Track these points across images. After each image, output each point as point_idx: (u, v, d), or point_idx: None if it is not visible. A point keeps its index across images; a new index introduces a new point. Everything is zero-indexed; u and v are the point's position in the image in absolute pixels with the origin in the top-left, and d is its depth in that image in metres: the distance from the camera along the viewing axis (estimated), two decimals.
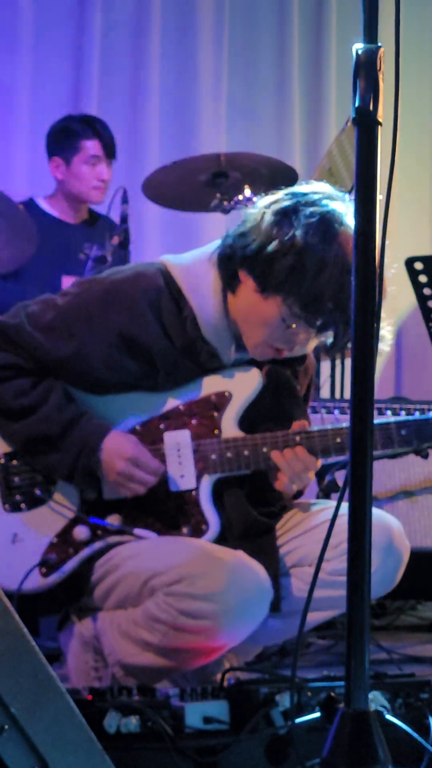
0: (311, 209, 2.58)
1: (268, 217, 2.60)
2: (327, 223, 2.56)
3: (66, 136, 4.82)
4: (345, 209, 2.59)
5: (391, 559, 2.67)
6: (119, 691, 2.19)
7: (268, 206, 2.63)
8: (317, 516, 2.78)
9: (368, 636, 1.74)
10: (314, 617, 2.72)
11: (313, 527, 2.76)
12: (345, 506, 1.82)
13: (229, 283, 2.67)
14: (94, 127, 4.81)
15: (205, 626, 2.55)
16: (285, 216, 2.58)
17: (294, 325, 2.61)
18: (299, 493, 2.88)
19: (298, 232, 2.55)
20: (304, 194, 2.63)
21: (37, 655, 1.49)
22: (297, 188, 2.68)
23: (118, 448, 2.66)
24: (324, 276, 2.54)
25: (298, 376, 2.84)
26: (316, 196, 2.62)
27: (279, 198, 2.64)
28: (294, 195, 2.64)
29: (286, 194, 2.65)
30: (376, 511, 1.85)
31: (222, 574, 2.54)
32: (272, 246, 2.56)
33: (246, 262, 2.62)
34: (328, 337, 2.64)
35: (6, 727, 1.41)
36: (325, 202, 2.60)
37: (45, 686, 1.48)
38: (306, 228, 2.55)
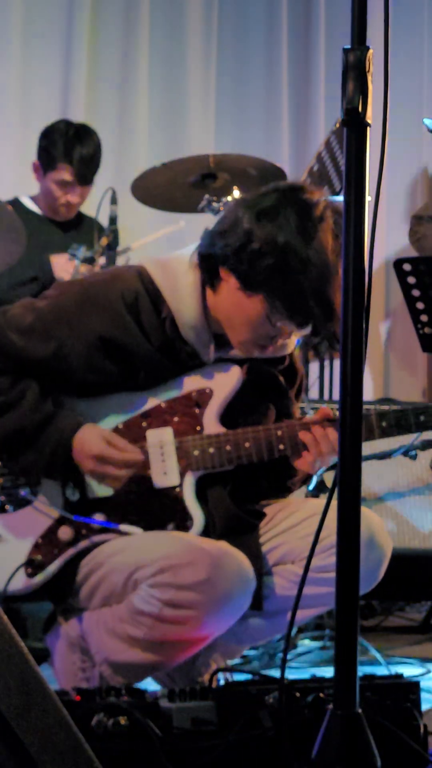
0: (291, 206, 2.59)
1: (249, 215, 2.61)
2: (307, 220, 2.57)
3: (46, 150, 4.80)
4: (323, 204, 2.60)
5: (373, 554, 2.68)
6: (107, 692, 2.19)
7: (247, 203, 2.64)
8: (299, 513, 2.79)
9: (357, 637, 1.74)
10: (300, 615, 2.73)
11: (296, 524, 2.77)
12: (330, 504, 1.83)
13: (211, 281, 2.68)
14: (72, 153, 4.74)
15: (189, 616, 2.56)
16: (265, 214, 2.59)
17: (278, 323, 2.62)
18: (309, 479, 2.90)
19: (279, 231, 2.56)
20: (284, 191, 2.64)
21: (26, 657, 1.49)
22: (276, 185, 2.69)
23: (92, 435, 2.65)
24: (306, 274, 2.55)
25: (281, 373, 2.84)
26: (295, 193, 2.63)
27: (258, 195, 2.66)
28: (273, 192, 2.65)
29: (266, 191, 2.66)
30: None
31: (205, 564, 2.55)
32: (253, 245, 2.58)
33: (227, 261, 2.63)
34: (309, 332, 2.65)
35: None
36: (304, 197, 2.61)
37: (34, 688, 1.47)
38: (287, 226, 2.56)
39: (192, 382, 2.75)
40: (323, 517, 1.94)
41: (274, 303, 2.59)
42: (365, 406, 3.93)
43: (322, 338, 2.68)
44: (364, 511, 2.69)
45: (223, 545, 2.63)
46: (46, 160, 4.78)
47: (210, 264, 2.67)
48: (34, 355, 2.67)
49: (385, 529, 2.76)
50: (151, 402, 2.75)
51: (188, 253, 2.73)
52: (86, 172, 4.76)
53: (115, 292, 2.69)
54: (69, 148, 4.75)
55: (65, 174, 4.74)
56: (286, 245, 2.55)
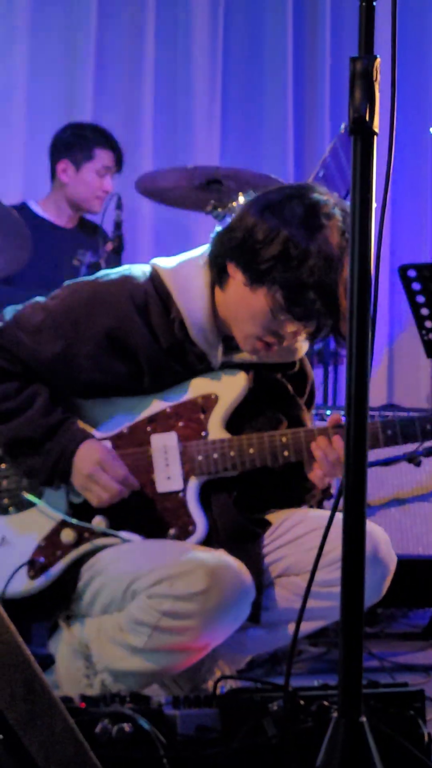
0: (296, 201, 2.60)
1: (255, 209, 2.62)
2: (312, 214, 2.58)
3: (80, 142, 4.83)
4: (332, 202, 2.61)
5: (376, 570, 2.67)
6: (112, 699, 2.19)
7: (254, 201, 2.66)
8: (305, 524, 2.78)
9: (362, 645, 1.74)
10: (303, 626, 2.71)
11: (301, 536, 2.76)
12: (335, 517, 1.82)
13: (219, 278, 2.69)
14: (108, 138, 4.82)
15: (187, 626, 2.56)
16: (270, 208, 2.61)
17: (282, 317, 2.62)
18: (327, 493, 2.89)
19: (283, 222, 2.57)
20: (290, 188, 2.67)
21: (32, 665, 1.49)
22: (286, 184, 2.70)
23: (91, 453, 2.67)
24: (307, 266, 2.55)
25: (290, 379, 2.84)
26: (301, 190, 2.65)
27: (266, 192, 2.67)
28: (280, 189, 2.67)
29: (272, 190, 2.68)
30: None
31: (203, 574, 2.55)
32: (257, 235, 2.58)
33: (233, 253, 2.64)
34: (313, 328, 2.65)
35: (0, 737, 1.41)
36: (310, 194, 2.62)
37: (40, 696, 1.47)
38: (290, 218, 2.58)
39: (198, 388, 2.76)
40: (327, 530, 1.94)
41: (275, 295, 2.59)
42: (369, 413, 3.93)
43: (327, 334, 2.67)
44: (370, 526, 2.70)
45: (222, 555, 2.62)
46: (80, 152, 4.81)
47: (218, 261, 2.68)
48: (43, 354, 2.68)
49: (390, 545, 2.74)
50: (157, 406, 2.76)
51: (199, 254, 2.74)
52: (122, 159, 4.82)
53: (125, 292, 2.70)
54: (104, 134, 4.79)
55: (108, 158, 4.78)
56: (289, 236, 2.56)
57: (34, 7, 5.54)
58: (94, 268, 4.47)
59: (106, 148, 4.81)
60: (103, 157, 4.82)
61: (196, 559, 2.59)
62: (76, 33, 5.62)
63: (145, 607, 2.57)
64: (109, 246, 4.49)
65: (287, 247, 2.56)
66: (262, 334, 2.66)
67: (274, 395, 2.81)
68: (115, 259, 4.50)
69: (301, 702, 2.21)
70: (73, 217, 4.99)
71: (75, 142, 4.84)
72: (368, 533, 2.63)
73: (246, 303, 2.65)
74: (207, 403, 2.74)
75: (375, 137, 1.77)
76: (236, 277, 2.65)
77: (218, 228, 2.73)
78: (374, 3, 1.76)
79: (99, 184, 4.84)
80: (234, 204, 4.24)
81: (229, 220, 2.73)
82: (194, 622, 2.55)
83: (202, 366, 2.75)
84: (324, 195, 2.63)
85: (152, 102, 5.77)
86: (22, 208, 4.88)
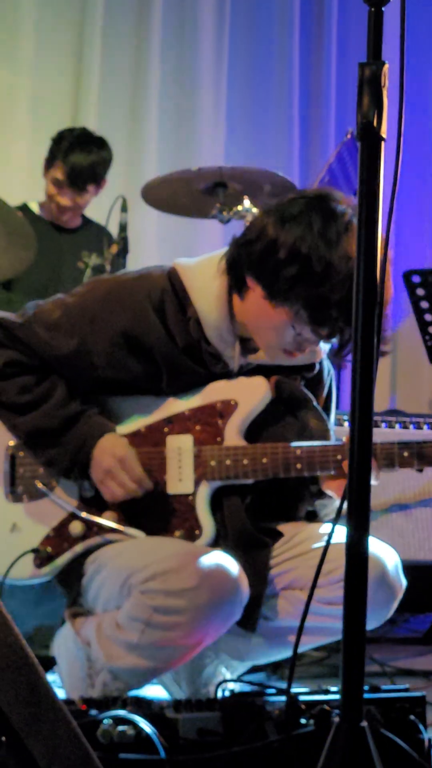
0: (315, 212, 2.58)
1: (273, 224, 2.60)
2: (331, 229, 2.55)
3: (52, 147, 4.85)
4: (350, 211, 2.58)
5: (382, 593, 2.65)
6: (114, 702, 2.19)
7: (272, 212, 2.63)
8: (316, 539, 2.76)
9: (364, 651, 1.74)
10: (305, 640, 2.70)
11: (309, 551, 2.74)
12: (340, 533, 1.82)
13: (238, 288, 2.68)
14: (72, 152, 4.77)
15: (177, 622, 2.56)
16: (290, 220, 2.58)
17: (304, 333, 2.62)
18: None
19: (302, 240, 2.55)
20: (310, 198, 2.63)
21: (35, 668, 1.49)
22: (302, 192, 2.68)
23: (112, 447, 2.68)
24: (328, 285, 2.53)
25: (309, 384, 2.84)
26: (321, 200, 2.61)
27: (284, 202, 2.64)
28: (299, 198, 2.64)
29: (292, 198, 2.65)
30: (372, 543, 1.83)
31: (194, 571, 2.55)
32: (277, 253, 2.56)
33: (252, 269, 2.63)
34: (335, 342, 2.64)
35: (3, 739, 1.41)
36: (331, 205, 2.59)
37: (44, 699, 1.47)
38: (310, 236, 2.55)
39: (218, 392, 2.76)
40: (327, 545, 1.94)
41: (298, 313, 2.58)
42: (382, 431, 3.93)
43: (346, 353, 2.66)
44: (381, 547, 2.69)
45: (219, 555, 2.62)
46: (48, 158, 4.83)
47: (237, 272, 2.67)
48: (58, 350, 2.70)
49: (399, 568, 2.71)
50: (176, 408, 2.76)
51: (218, 257, 2.73)
52: (78, 178, 4.78)
53: (143, 290, 2.71)
54: (69, 149, 4.78)
55: (58, 173, 4.78)
56: (310, 252, 2.53)
57: (40, 8, 5.55)
58: (99, 270, 4.47)
59: (61, 162, 4.79)
60: (56, 170, 4.81)
61: (190, 556, 2.59)
62: (81, 34, 5.63)
63: (139, 603, 2.58)
64: (114, 248, 4.49)
65: (309, 264, 2.53)
66: (284, 344, 2.66)
67: (293, 403, 2.80)
68: (120, 262, 4.50)
69: (303, 706, 2.22)
70: (74, 219, 4.98)
71: (51, 147, 4.86)
72: (377, 556, 2.63)
73: (267, 316, 2.63)
74: (226, 409, 2.75)
75: (383, 143, 1.77)
76: (256, 290, 2.64)
77: (237, 236, 2.70)
78: (383, 9, 1.77)
79: (52, 193, 4.84)
80: (240, 207, 4.23)
81: (235, 221, 2.72)
82: (183, 617, 2.55)
83: (218, 366, 2.75)
84: (341, 203, 2.60)
85: (157, 105, 5.78)
86: (23, 209, 4.89)
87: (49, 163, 4.84)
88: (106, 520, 2.73)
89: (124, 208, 4.56)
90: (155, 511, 2.73)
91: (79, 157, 4.77)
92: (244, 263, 2.64)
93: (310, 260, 2.53)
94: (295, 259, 2.55)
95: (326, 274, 2.53)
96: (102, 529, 2.73)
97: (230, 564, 2.61)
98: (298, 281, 2.55)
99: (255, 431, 2.76)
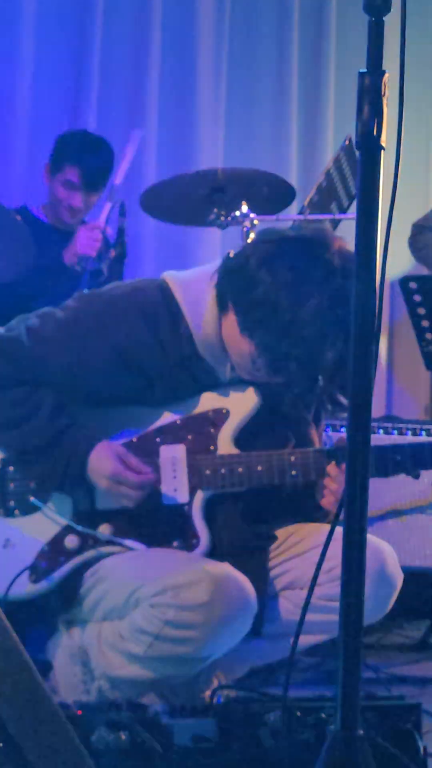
0: (298, 259, 2.56)
1: (255, 259, 2.59)
2: (302, 281, 2.54)
3: (58, 151, 4.83)
4: (337, 261, 2.54)
5: (382, 588, 2.68)
6: (109, 707, 2.19)
7: (260, 243, 2.64)
8: (312, 539, 2.78)
9: (360, 659, 1.74)
10: (303, 640, 2.71)
11: (308, 550, 2.76)
12: (338, 530, 1.83)
13: (221, 306, 2.69)
14: (83, 154, 4.77)
15: (189, 636, 2.56)
16: (269, 263, 2.57)
17: (262, 369, 2.62)
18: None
19: (277, 285, 2.54)
20: (295, 241, 2.62)
21: (34, 674, 1.49)
22: (292, 231, 2.67)
23: (99, 467, 2.67)
24: (290, 338, 2.54)
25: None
26: (306, 246, 2.59)
27: (272, 240, 2.63)
28: (285, 240, 2.62)
29: (280, 237, 2.63)
30: (369, 537, 1.85)
31: (207, 585, 2.55)
32: (252, 291, 2.57)
33: (231, 295, 2.65)
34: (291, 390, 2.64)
35: (0, 744, 1.41)
36: (316, 251, 2.57)
37: (41, 706, 1.48)
38: (282, 285, 2.54)
39: (209, 401, 2.76)
40: (326, 543, 1.94)
41: (260, 352, 2.59)
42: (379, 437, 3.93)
43: (312, 400, 2.66)
44: (377, 541, 2.70)
45: (227, 568, 2.63)
46: (55, 162, 4.81)
47: (221, 292, 2.68)
48: (51, 364, 2.69)
49: (396, 561, 2.74)
50: (167, 418, 2.76)
51: (211, 270, 2.73)
52: (92, 179, 4.78)
53: (135, 306, 2.71)
54: (80, 151, 4.77)
55: (71, 175, 4.76)
56: (276, 303, 2.53)
57: (40, 13, 5.54)
58: (96, 275, 4.47)
59: (73, 164, 4.78)
60: (67, 171, 4.80)
61: (202, 570, 2.59)
62: (81, 36, 5.62)
63: (148, 616, 2.57)
64: (112, 253, 4.49)
65: (275, 313, 2.54)
66: (253, 369, 2.66)
67: (284, 412, 2.80)
68: (118, 266, 4.49)
69: (298, 713, 2.22)
70: (74, 221, 4.98)
71: (56, 150, 4.85)
72: (375, 549, 2.65)
73: (236, 341, 2.66)
74: (217, 418, 2.75)
75: (382, 152, 1.77)
76: (230, 315, 2.66)
77: (229, 255, 2.70)
78: (383, 18, 1.77)
79: (66, 197, 4.83)
80: (237, 213, 4.23)
81: (235, 232, 2.73)
82: (196, 632, 2.55)
83: (211, 380, 2.75)
84: (330, 252, 2.56)
85: (156, 108, 5.77)
86: (22, 211, 4.88)
87: (56, 166, 4.82)
88: (102, 533, 2.72)
89: (122, 213, 4.56)
90: (152, 522, 2.73)
91: (92, 157, 4.78)
92: (226, 288, 2.65)
93: (277, 310, 2.53)
94: (264, 303, 2.55)
95: (288, 329, 2.53)
96: (98, 542, 2.72)
97: (240, 577, 2.61)
98: (262, 325, 2.56)
99: (246, 439, 2.76)
